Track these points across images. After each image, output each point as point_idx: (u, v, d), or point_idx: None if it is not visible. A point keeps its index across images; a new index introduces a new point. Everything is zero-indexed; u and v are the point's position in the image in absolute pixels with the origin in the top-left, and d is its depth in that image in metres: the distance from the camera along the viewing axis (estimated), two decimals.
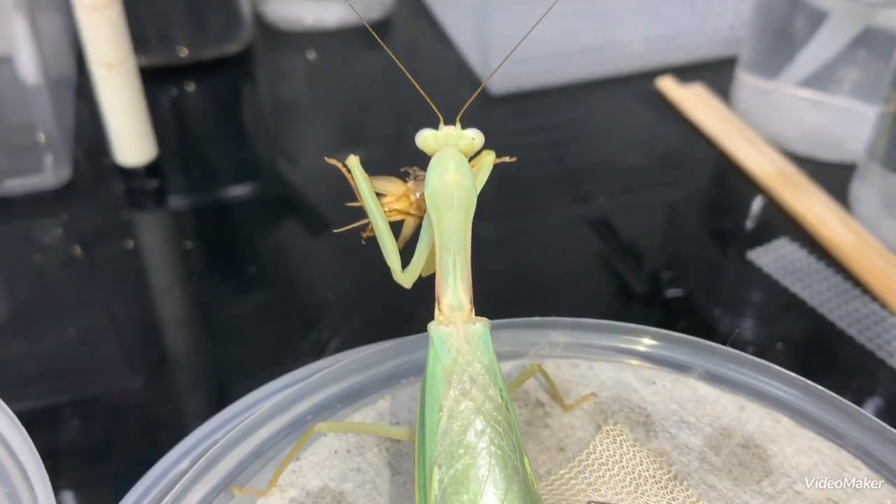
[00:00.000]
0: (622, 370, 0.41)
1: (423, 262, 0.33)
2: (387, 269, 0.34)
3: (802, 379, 0.40)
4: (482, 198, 0.33)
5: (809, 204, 0.65)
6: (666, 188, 0.73)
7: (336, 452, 0.37)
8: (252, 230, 0.67)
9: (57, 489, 0.35)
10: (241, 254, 0.64)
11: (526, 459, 0.28)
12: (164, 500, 0.35)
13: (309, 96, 0.86)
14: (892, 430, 0.37)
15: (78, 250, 0.64)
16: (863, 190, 0.65)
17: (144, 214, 0.70)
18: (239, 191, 0.71)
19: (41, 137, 0.68)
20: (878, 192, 0.64)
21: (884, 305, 0.57)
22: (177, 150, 0.76)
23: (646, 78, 0.81)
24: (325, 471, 0.37)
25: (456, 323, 0.30)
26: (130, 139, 0.69)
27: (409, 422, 0.38)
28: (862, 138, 0.65)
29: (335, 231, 0.36)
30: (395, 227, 0.35)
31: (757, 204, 0.67)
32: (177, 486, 0.35)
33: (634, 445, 0.37)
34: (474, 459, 0.28)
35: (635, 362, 0.41)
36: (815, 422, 0.39)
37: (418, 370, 0.39)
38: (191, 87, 0.84)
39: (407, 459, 0.37)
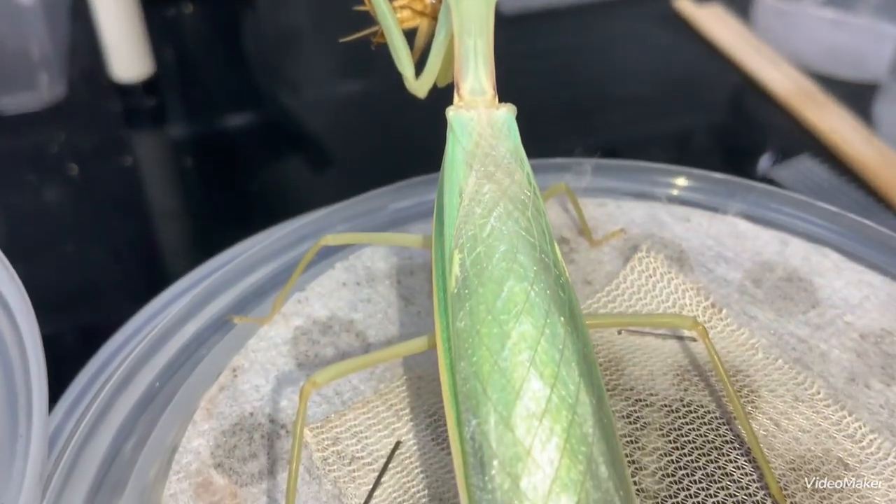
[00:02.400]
0: (653, 208, 0.38)
1: (440, 64, 0.30)
2: None
3: (850, 215, 0.36)
4: None
5: (831, 121, 0.63)
6: (684, 110, 0.70)
7: (345, 284, 0.35)
8: (251, 154, 0.65)
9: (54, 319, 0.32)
10: (239, 178, 0.62)
11: (556, 247, 0.25)
12: (158, 329, 0.32)
13: (310, 22, 0.83)
14: None
15: (75, 169, 0.62)
16: (886, 108, 0.62)
17: (142, 133, 0.68)
18: (237, 115, 0.68)
19: (35, 54, 0.66)
20: None
21: None
22: (175, 71, 0.73)
23: None
24: (333, 301, 0.34)
25: (478, 107, 0.27)
26: (127, 53, 0.66)
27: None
28: (884, 57, 0.62)
29: (342, 40, 0.33)
30: (409, 38, 0.32)
31: (777, 121, 0.65)
32: (170, 317, 0.33)
33: (669, 272, 0.34)
34: (498, 242, 0.25)
35: (667, 201, 0.38)
36: (866, 257, 0.35)
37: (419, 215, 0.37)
38: (189, 8, 0.81)
39: (420, 293, 0.34)
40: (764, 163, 0.61)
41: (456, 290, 0.24)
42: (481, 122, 0.27)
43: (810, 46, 0.70)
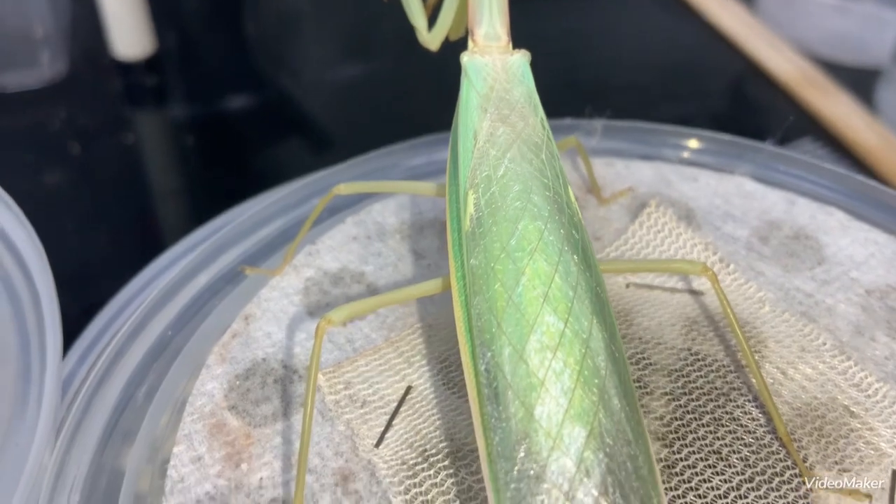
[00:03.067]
0: (662, 168, 0.38)
1: (453, 16, 0.30)
2: None
3: (857, 176, 0.37)
4: None
5: (833, 106, 0.63)
6: (687, 94, 0.69)
7: (355, 238, 0.35)
8: (251, 134, 0.64)
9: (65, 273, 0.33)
10: (240, 157, 0.62)
11: (570, 189, 0.26)
12: (170, 280, 0.32)
13: (311, 4, 0.83)
14: None
15: (76, 148, 0.62)
16: (888, 93, 0.62)
17: (143, 111, 0.67)
18: (238, 95, 0.68)
19: (37, 32, 0.66)
20: None
21: None
22: (176, 50, 0.72)
23: None
24: (344, 254, 0.34)
25: (492, 53, 0.27)
26: (128, 31, 0.65)
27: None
28: (887, 43, 0.62)
29: None
30: None
31: (780, 106, 0.65)
32: (181, 268, 0.33)
33: (677, 228, 0.34)
34: (513, 182, 0.25)
35: (676, 162, 0.38)
36: (871, 216, 0.36)
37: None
38: None
39: (430, 247, 0.35)
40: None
41: (470, 229, 0.25)
42: (496, 67, 0.27)
43: (814, 32, 0.70)
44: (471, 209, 0.25)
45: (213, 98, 0.68)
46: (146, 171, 0.63)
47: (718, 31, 0.74)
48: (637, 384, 0.28)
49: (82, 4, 0.70)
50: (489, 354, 0.23)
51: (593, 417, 0.22)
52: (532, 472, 0.21)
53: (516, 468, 0.21)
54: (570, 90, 0.68)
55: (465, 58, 0.27)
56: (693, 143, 0.39)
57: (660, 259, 0.33)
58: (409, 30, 0.30)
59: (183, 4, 0.81)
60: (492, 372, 0.23)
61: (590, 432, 0.22)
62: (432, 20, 0.31)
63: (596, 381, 0.22)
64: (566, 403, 0.22)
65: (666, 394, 0.28)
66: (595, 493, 0.21)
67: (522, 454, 0.22)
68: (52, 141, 0.63)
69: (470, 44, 0.28)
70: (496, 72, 0.27)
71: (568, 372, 0.22)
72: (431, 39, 0.31)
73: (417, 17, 0.31)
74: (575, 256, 0.24)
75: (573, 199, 0.26)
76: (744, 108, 0.72)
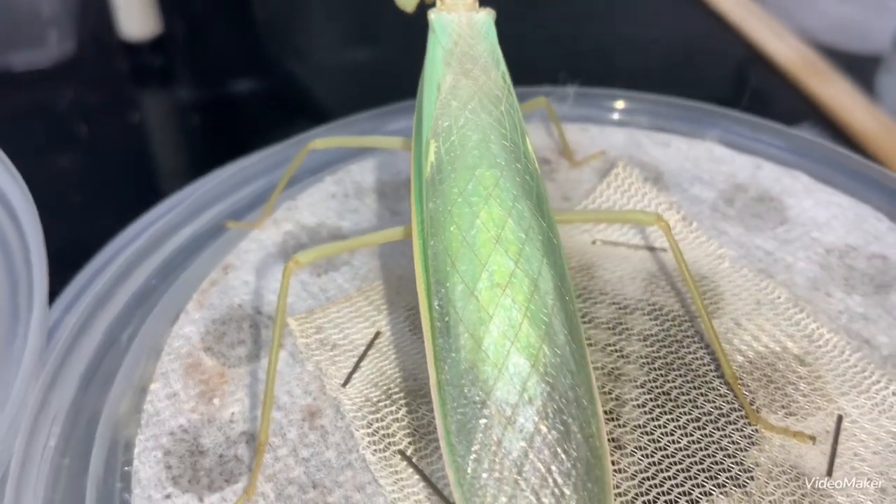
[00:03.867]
0: (635, 133, 0.39)
1: None
2: None
3: (823, 142, 0.38)
4: None
5: (833, 92, 0.63)
6: (689, 79, 0.69)
7: (333, 196, 0.36)
8: (255, 116, 0.65)
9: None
10: (244, 137, 0.63)
11: (528, 141, 0.27)
12: (152, 231, 0.34)
13: None
14: None
15: (83, 126, 0.63)
16: (889, 80, 0.62)
17: (149, 92, 0.68)
18: (244, 77, 0.68)
19: (45, 12, 0.67)
20: None
21: None
22: (182, 31, 0.72)
23: None
24: (322, 210, 0.36)
25: (458, 10, 0.28)
26: (135, 11, 0.66)
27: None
28: (889, 30, 0.62)
29: None
30: None
31: (781, 92, 0.66)
32: (164, 221, 0.34)
33: (643, 188, 0.35)
34: (472, 132, 0.26)
35: (648, 128, 0.39)
36: (836, 181, 0.37)
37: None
38: None
39: (406, 206, 0.36)
40: None
41: (430, 176, 0.26)
42: (461, 24, 0.28)
43: (816, 19, 0.70)
44: (432, 157, 0.26)
45: (219, 79, 0.69)
46: (151, 150, 0.64)
47: (721, 17, 0.74)
48: (592, 328, 0.30)
49: None
50: (443, 291, 0.24)
51: (538, 350, 0.23)
52: (477, 398, 0.23)
53: (463, 395, 0.23)
54: (572, 75, 0.69)
55: (433, 14, 0.29)
56: (664, 109, 0.40)
57: (616, 210, 0.34)
58: (415, 14, 0.31)
59: None
60: (444, 307, 0.24)
61: (534, 364, 0.23)
62: None
63: (542, 317, 0.24)
64: (513, 336, 0.23)
65: (619, 338, 0.29)
66: (535, 418, 0.22)
67: (469, 382, 0.23)
68: (59, 119, 0.64)
69: (438, 1, 0.29)
70: (461, 28, 0.28)
71: (516, 308, 0.24)
72: (407, 2, 0.32)
73: None
74: (528, 203, 0.25)
75: (531, 150, 0.27)
76: (747, 94, 0.72)
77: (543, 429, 0.22)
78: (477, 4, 0.29)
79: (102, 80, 0.68)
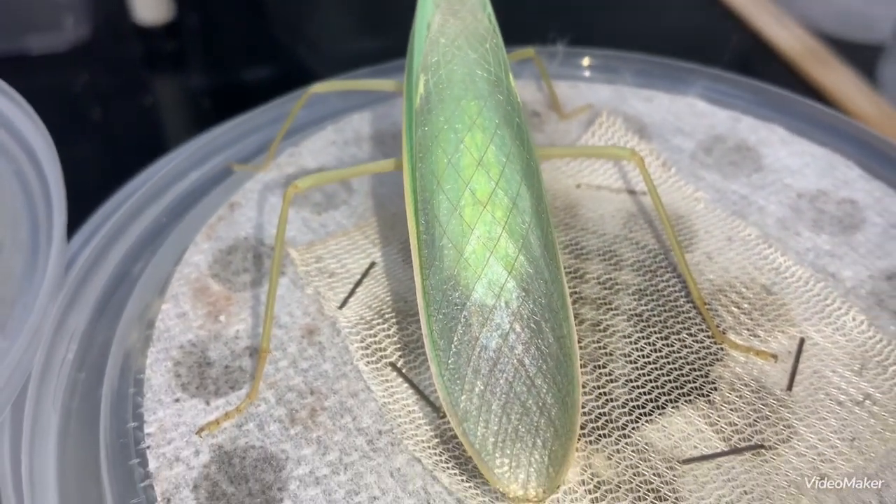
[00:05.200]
0: (621, 90, 0.41)
1: None
2: None
3: (800, 98, 0.40)
4: None
5: (835, 80, 0.63)
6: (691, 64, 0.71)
7: (334, 143, 0.38)
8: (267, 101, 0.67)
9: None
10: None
11: (510, 76, 0.29)
12: (163, 174, 0.36)
13: None
14: (891, 140, 0.37)
15: (97, 109, 0.64)
16: (890, 69, 0.63)
17: (162, 76, 0.70)
18: (255, 63, 0.69)
19: None
20: None
21: None
22: (195, 17, 0.74)
23: None
24: (323, 156, 0.38)
25: None
26: None
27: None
28: (892, 19, 0.63)
29: None
30: None
31: (783, 80, 0.67)
32: (174, 164, 0.37)
33: (625, 136, 0.37)
34: (458, 67, 0.28)
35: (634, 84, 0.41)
36: (811, 133, 0.39)
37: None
38: None
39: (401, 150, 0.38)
40: None
41: (420, 106, 0.28)
42: None
43: (819, 8, 0.70)
44: (421, 89, 0.28)
45: (230, 65, 0.71)
46: (163, 133, 0.66)
47: (726, 5, 0.75)
48: (575, 262, 0.32)
49: None
50: (429, 208, 0.26)
51: (514, 260, 0.25)
52: (458, 301, 0.25)
53: (446, 299, 0.25)
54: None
55: None
56: (649, 67, 0.42)
57: (592, 146, 0.36)
58: None
59: None
60: (430, 223, 0.26)
61: (510, 272, 0.25)
62: None
63: (519, 231, 0.26)
64: (492, 247, 0.25)
65: (599, 269, 0.32)
66: (510, 319, 0.24)
67: (451, 287, 0.25)
68: (74, 102, 0.65)
69: None
70: None
71: (495, 222, 0.26)
72: None
73: None
74: (509, 131, 0.28)
75: (513, 85, 0.29)
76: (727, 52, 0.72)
77: (518, 328, 0.24)
78: None
79: (116, 64, 0.69)
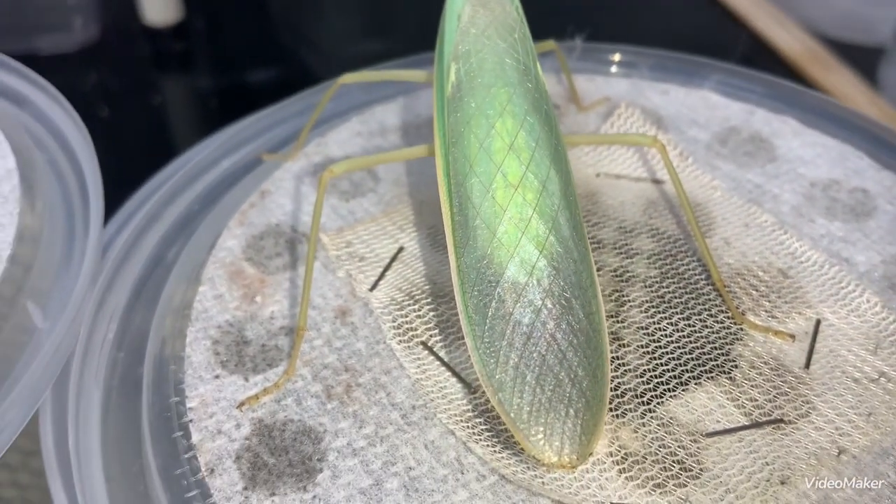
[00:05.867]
0: (637, 84, 0.42)
1: None
2: None
3: (812, 92, 0.41)
4: None
5: (836, 82, 0.64)
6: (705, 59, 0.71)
7: (359, 134, 0.39)
8: (272, 100, 0.67)
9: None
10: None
11: (538, 65, 0.30)
12: (195, 163, 0.37)
13: None
14: None
15: (105, 109, 0.65)
16: (891, 71, 0.64)
17: (169, 76, 0.71)
18: (260, 64, 0.70)
19: None
20: None
21: None
22: (203, 18, 0.75)
23: None
24: (349, 146, 0.39)
25: None
26: None
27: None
28: (892, 22, 0.64)
29: None
30: None
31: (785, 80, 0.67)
32: (205, 154, 0.38)
33: (644, 126, 0.38)
34: (488, 56, 0.29)
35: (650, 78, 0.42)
36: (823, 126, 0.40)
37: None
38: None
39: (425, 142, 0.39)
40: None
41: (451, 94, 0.29)
42: None
43: (821, 11, 0.71)
44: (452, 78, 0.29)
45: (237, 66, 0.72)
46: (171, 133, 0.67)
47: (728, 8, 0.76)
48: (597, 246, 0.33)
49: None
50: (462, 191, 0.27)
51: (545, 240, 0.26)
52: (492, 278, 0.26)
53: (480, 276, 0.26)
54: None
55: None
56: (665, 61, 0.43)
57: (616, 133, 0.37)
58: (428, 7, 0.34)
59: None
60: (464, 204, 0.27)
61: (541, 251, 0.26)
62: None
63: (549, 212, 0.27)
64: (524, 227, 0.26)
65: (620, 252, 0.33)
66: (542, 295, 0.25)
67: (485, 266, 0.26)
68: (83, 102, 0.67)
69: None
70: None
71: (526, 205, 0.27)
72: None
73: None
74: (538, 117, 0.29)
75: (541, 73, 0.30)
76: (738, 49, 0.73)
77: (549, 304, 0.25)
78: None
79: (125, 64, 0.70)
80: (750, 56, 0.75)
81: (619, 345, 0.29)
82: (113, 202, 0.36)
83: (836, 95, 0.65)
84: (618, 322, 0.30)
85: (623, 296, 0.31)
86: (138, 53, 0.71)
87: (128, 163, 0.59)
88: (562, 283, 0.26)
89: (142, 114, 0.66)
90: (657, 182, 0.37)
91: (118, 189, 0.38)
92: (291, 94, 0.40)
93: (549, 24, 0.41)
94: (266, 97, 0.67)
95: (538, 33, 0.40)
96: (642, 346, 0.29)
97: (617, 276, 0.32)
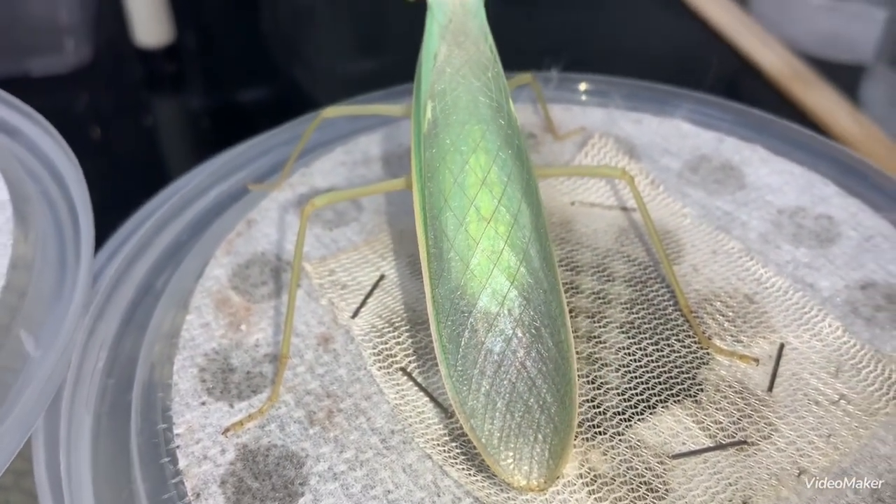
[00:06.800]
0: (612, 112, 0.44)
1: None
2: None
3: (780, 120, 0.42)
4: None
5: (820, 100, 0.66)
6: (680, 86, 0.73)
7: (343, 164, 0.41)
8: (263, 122, 0.68)
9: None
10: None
11: (511, 102, 0.32)
12: (183, 193, 0.38)
13: (325, 1, 0.85)
14: (864, 159, 0.40)
15: (97, 132, 0.66)
16: (872, 88, 0.65)
17: (161, 97, 0.72)
18: (252, 85, 0.72)
19: (63, 20, 0.69)
20: (885, 91, 0.65)
21: None
22: (194, 40, 0.76)
23: None
24: (333, 176, 0.40)
25: None
26: (149, 19, 0.70)
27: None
28: (873, 40, 0.65)
29: None
30: None
31: (768, 99, 0.67)
32: (193, 185, 0.39)
33: (616, 156, 0.40)
34: (463, 94, 0.31)
35: (624, 107, 0.44)
36: (790, 153, 0.41)
37: None
38: None
39: (407, 172, 0.40)
40: None
41: (427, 130, 0.31)
42: (455, 4, 0.33)
43: (804, 30, 0.73)
44: (429, 115, 0.31)
45: (228, 86, 0.73)
46: (163, 153, 0.68)
47: (713, 28, 0.77)
48: (570, 274, 0.34)
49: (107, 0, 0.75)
50: (437, 224, 0.29)
51: (516, 271, 0.28)
52: (465, 308, 0.27)
53: (454, 307, 0.27)
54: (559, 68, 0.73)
55: None
56: (639, 91, 0.44)
57: (586, 165, 0.38)
58: (419, 26, 0.35)
59: (201, 2, 0.85)
60: (439, 237, 0.29)
61: (513, 282, 0.27)
62: None
63: (520, 245, 0.28)
64: (495, 260, 0.28)
65: (593, 280, 0.34)
66: (513, 325, 0.27)
67: (459, 297, 0.27)
68: (76, 123, 0.67)
69: None
70: (455, 7, 0.33)
71: (498, 237, 0.28)
72: None
73: None
74: (510, 152, 0.30)
75: (513, 110, 0.32)
76: (736, 101, 0.74)
77: (520, 333, 0.27)
78: None
79: (117, 85, 0.72)
80: (735, 75, 0.76)
81: (590, 369, 0.30)
82: (104, 223, 0.37)
83: (819, 113, 0.66)
84: (588, 347, 0.31)
85: (594, 322, 0.32)
86: (130, 75, 0.73)
87: (119, 183, 0.60)
88: (532, 313, 0.27)
89: (134, 135, 0.67)
90: (629, 210, 0.38)
91: (110, 210, 0.39)
92: (283, 113, 0.41)
93: (538, 45, 0.42)
94: (258, 116, 0.68)
95: (523, 61, 0.42)
96: (611, 371, 0.30)
97: (588, 304, 0.33)
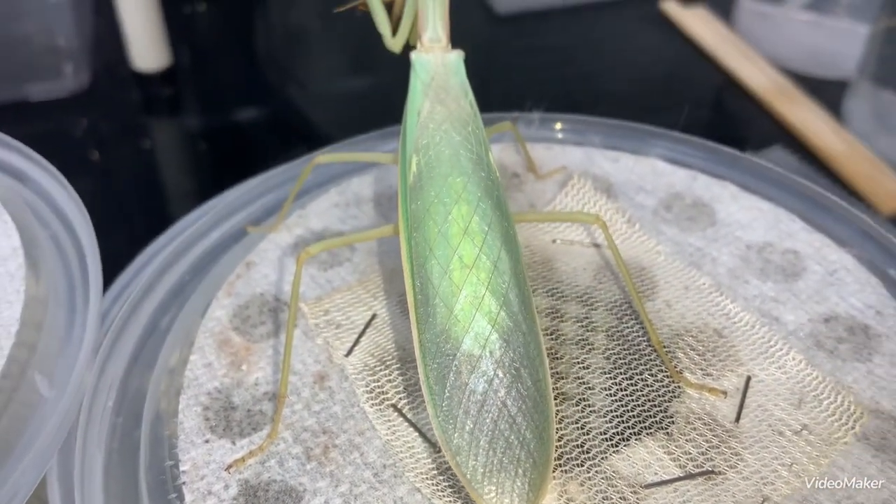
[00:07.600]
0: (590, 151, 0.46)
1: (410, 26, 0.38)
2: None
3: (749, 157, 0.45)
4: None
5: (804, 116, 0.68)
6: (668, 105, 0.74)
7: (337, 205, 0.43)
8: (260, 144, 0.69)
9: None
10: (249, 163, 0.67)
11: (490, 154, 0.34)
12: (184, 236, 0.41)
13: (318, 21, 0.88)
14: (830, 195, 0.42)
15: (96, 153, 0.68)
16: (855, 104, 0.68)
17: (159, 120, 0.74)
18: (248, 106, 0.74)
19: (61, 46, 0.71)
20: (868, 106, 0.67)
21: (869, 206, 0.60)
22: (190, 63, 0.79)
23: (650, 1, 0.84)
24: (327, 217, 0.42)
25: (435, 51, 0.35)
26: (146, 44, 0.73)
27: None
28: (856, 56, 0.67)
29: (336, 11, 0.41)
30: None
31: (754, 116, 0.70)
32: (195, 228, 0.41)
33: (595, 195, 0.42)
34: (445, 148, 0.33)
35: (602, 147, 0.46)
36: (759, 189, 0.44)
37: None
38: (203, 6, 0.86)
39: (396, 210, 0.43)
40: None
41: (413, 183, 0.33)
42: (437, 63, 0.35)
43: (788, 47, 0.75)
44: (414, 168, 0.33)
45: (225, 108, 0.75)
46: (161, 175, 0.69)
47: (698, 45, 0.80)
48: (551, 311, 0.36)
49: (104, 20, 0.77)
50: (423, 272, 0.31)
51: (497, 315, 0.30)
52: (450, 352, 0.29)
53: (439, 350, 0.29)
54: (557, 102, 0.75)
55: (414, 55, 0.36)
56: (615, 131, 0.47)
57: (563, 211, 0.41)
58: (402, 52, 0.37)
59: (197, 21, 0.87)
60: (425, 284, 0.31)
61: (493, 325, 0.30)
62: (395, 29, 0.39)
63: (500, 290, 0.30)
64: (477, 305, 0.30)
65: (573, 317, 0.36)
66: (494, 366, 0.29)
67: (444, 340, 0.30)
68: (75, 147, 0.69)
69: (418, 45, 0.36)
70: (437, 66, 0.35)
71: (480, 284, 0.30)
72: (395, 44, 0.39)
73: (383, 26, 0.39)
74: (490, 202, 0.32)
75: (493, 162, 0.34)
76: (722, 118, 0.76)
77: (500, 373, 0.29)
78: (450, 46, 0.36)
79: (115, 109, 0.74)
80: (721, 93, 0.78)
81: (568, 405, 0.33)
82: (104, 248, 0.39)
83: (803, 129, 0.68)
84: (567, 382, 0.33)
85: (571, 354, 0.34)
86: (128, 98, 0.75)
87: (119, 206, 0.62)
88: (511, 355, 0.29)
89: (132, 158, 0.69)
90: (606, 248, 0.40)
91: (108, 236, 0.40)
92: (279, 132, 0.43)
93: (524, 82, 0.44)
94: (254, 136, 0.69)
95: (507, 102, 0.44)
96: (588, 407, 0.33)
97: (573, 333, 0.35)
